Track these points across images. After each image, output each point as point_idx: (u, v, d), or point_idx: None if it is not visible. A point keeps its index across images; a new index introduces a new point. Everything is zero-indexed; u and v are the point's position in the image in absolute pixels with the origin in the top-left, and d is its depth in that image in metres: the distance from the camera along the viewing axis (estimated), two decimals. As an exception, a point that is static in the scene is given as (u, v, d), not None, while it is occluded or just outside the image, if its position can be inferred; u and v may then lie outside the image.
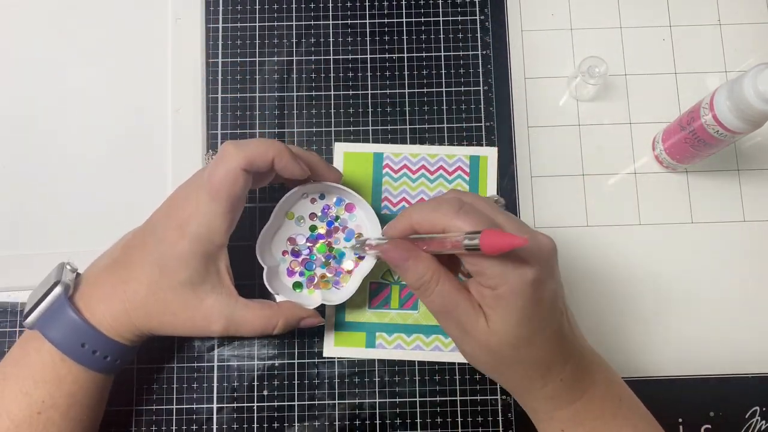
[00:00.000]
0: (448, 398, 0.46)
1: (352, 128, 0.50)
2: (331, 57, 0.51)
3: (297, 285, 0.45)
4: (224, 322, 0.40)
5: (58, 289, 0.38)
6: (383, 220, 0.48)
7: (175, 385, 0.46)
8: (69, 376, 0.38)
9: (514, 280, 0.33)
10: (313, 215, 0.45)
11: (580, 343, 0.38)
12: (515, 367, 0.36)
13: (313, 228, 0.45)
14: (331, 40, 0.52)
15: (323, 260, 0.45)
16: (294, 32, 0.52)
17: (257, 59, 0.51)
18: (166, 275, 0.39)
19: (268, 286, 0.43)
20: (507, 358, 0.36)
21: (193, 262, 0.39)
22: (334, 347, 0.47)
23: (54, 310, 0.38)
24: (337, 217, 0.45)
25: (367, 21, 0.52)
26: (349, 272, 0.45)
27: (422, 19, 0.52)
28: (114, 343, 0.39)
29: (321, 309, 0.46)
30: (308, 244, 0.45)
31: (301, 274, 0.45)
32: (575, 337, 0.38)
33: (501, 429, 0.46)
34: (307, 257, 0.45)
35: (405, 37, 0.52)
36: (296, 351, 0.47)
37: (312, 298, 0.44)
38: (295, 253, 0.45)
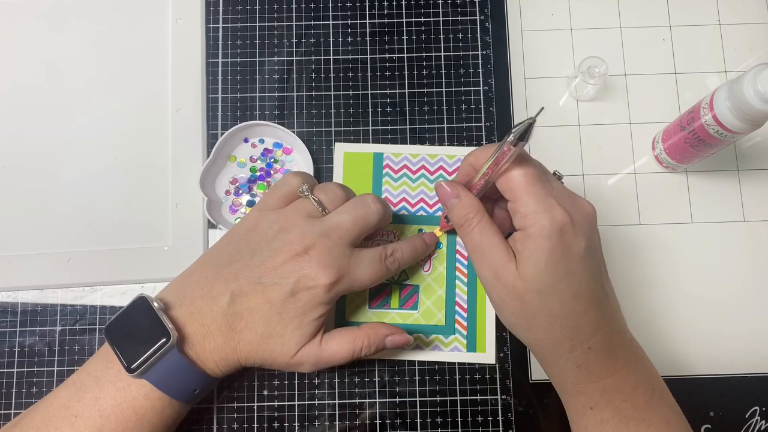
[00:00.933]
0: (448, 398, 0.46)
1: (352, 128, 0.50)
2: (331, 57, 0.51)
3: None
4: (313, 363, 0.41)
5: (168, 347, 0.37)
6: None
7: (175, 385, 0.46)
8: (169, 408, 0.39)
9: (544, 221, 0.36)
10: (253, 158, 0.50)
11: (620, 325, 0.39)
12: (540, 320, 0.37)
13: (253, 169, 0.50)
14: (331, 40, 0.52)
15: None
16: (294, 32, 0.52)
17: (257, 59, 0.51)
18: (276, 334, 0.40)
19: (208, 216, 0.47)
20: (533, 307, 0.37)
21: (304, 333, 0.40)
22: (334, 347, 0.47)
23: (168, 366, 0.38)
24: (275, 160, 0.50)
25: (367, 21, 0.52)
26: None
27: (422, 19, 0.52)
28: (216, 380, 0.40)
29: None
30: (249, 183, 0.49)
31: (243, 211, 0.49)
32: (612, 312, 0.38)
33: (501, 429, 0.46)
34: (249, 196, 0.49)
35: (405, 37, 0.52)
36: (296, 351, 0.47)
37: None
38: (237, 192, 0.49)
